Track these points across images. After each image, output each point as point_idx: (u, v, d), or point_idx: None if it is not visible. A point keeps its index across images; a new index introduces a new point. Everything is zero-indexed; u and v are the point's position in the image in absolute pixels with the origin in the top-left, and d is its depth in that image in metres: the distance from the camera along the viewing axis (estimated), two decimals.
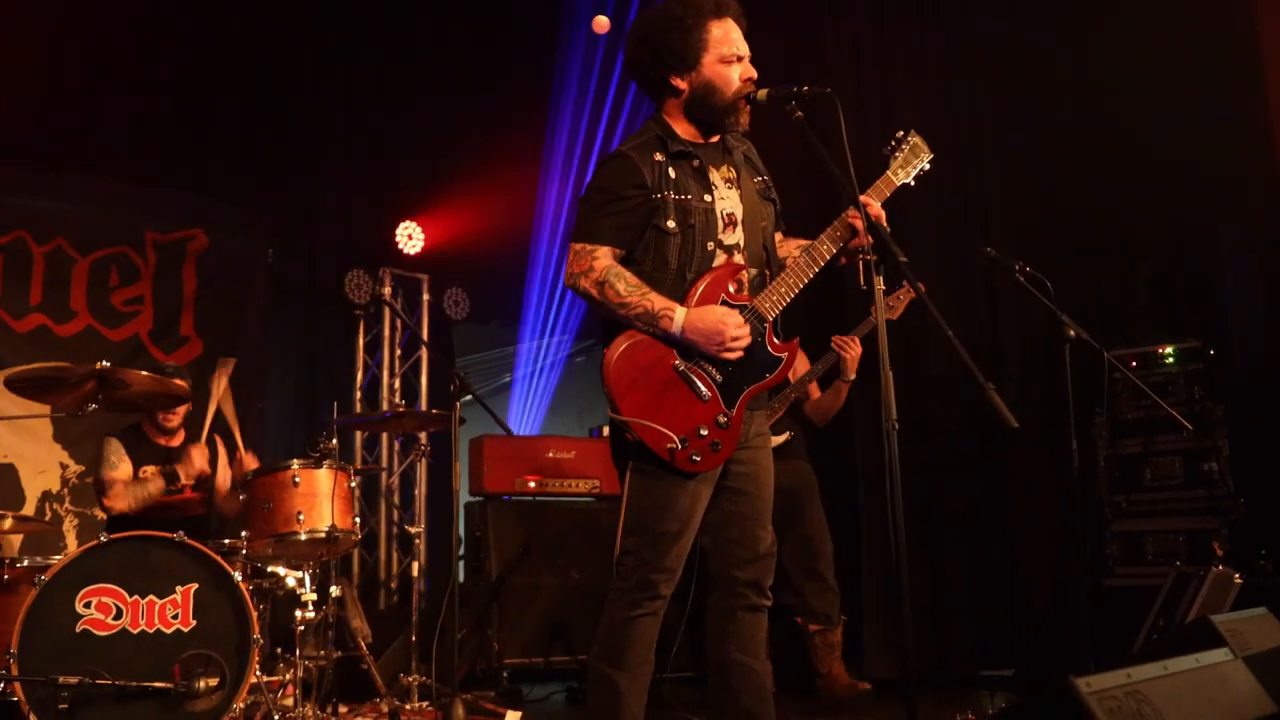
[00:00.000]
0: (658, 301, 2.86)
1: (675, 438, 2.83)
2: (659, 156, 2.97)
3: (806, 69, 6.31)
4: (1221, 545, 5.01)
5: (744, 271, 2.99)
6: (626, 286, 2.87)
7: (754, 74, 3.01)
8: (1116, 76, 5.86)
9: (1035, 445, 5.86)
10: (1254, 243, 5.64)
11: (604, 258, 2.91)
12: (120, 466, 5.06)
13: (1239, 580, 4.44)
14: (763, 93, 2.96)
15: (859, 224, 2.88)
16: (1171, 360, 5.42)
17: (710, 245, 2.96)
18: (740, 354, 2.89)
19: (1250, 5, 5.52)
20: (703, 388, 2.88)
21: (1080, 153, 6.12)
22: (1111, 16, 5.91)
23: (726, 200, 3.02)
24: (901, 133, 3.10)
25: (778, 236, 3.21)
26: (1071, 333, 4.34)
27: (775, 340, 2.98)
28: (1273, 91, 5.44)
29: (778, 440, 4.88)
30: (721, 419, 2.89)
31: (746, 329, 2.89)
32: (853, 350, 4.86)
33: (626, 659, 2.86)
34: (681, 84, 3.02)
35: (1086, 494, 5.22)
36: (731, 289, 2.93)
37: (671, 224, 2.93)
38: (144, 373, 4.39)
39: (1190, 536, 5.19)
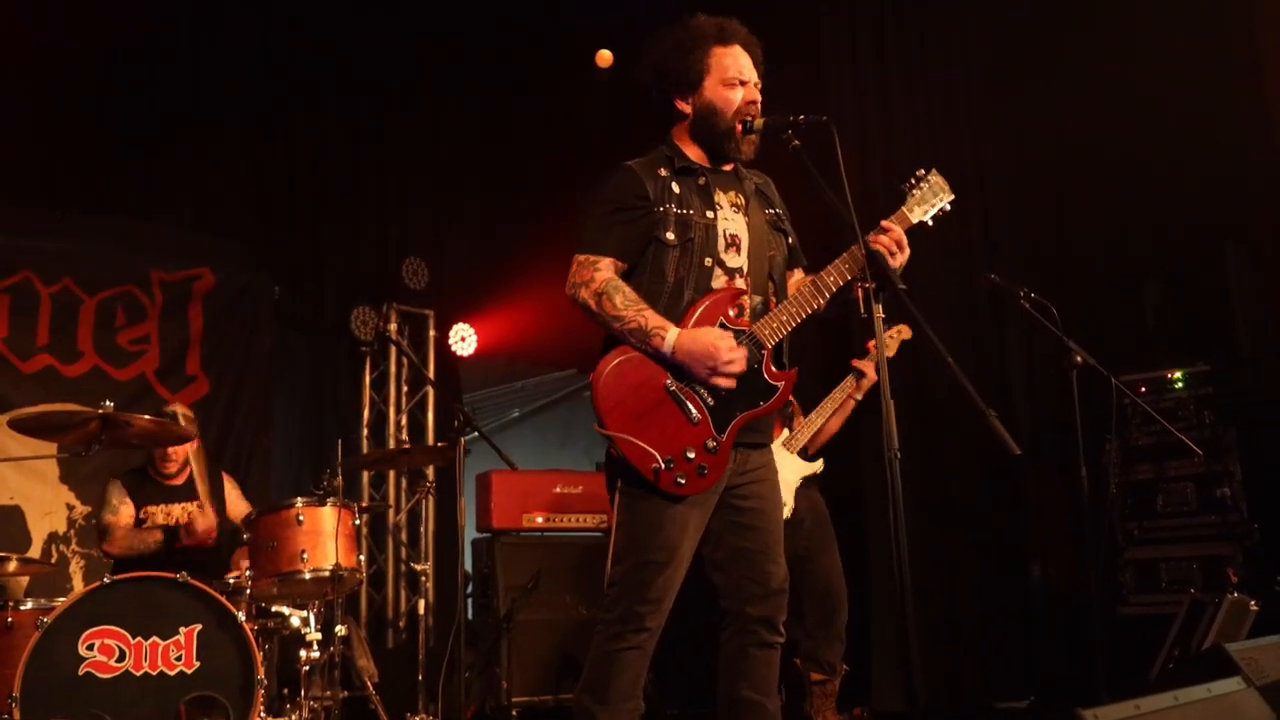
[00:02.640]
0: (652, 319, 2.85)
1: (659, 458, 2.80)
2: (663, 171, 3.01)
3: (808, 98, 6.31)
4: (1236, 571, 4.95)
5: (746, 296, 2.98)
6: (624, 300, 2.86)
7: (756, 98, 3.04)
8: (1120, 101, 5.85)
9: (1047, 473, 5.80)
10: (1261, 262, 5.60)
11: (606, 269, 2.92)
12: (121, 510, 5.04)
13: (1255, 607, 4.39)
14: (760, 120, 2.99)
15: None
16: (1181, 384, 5.38)
17: (709, 261, 2.96)
18: (732, 382, 2.86)
19: (1252, 27, 5.51)
20: (693, 410, 2.85)
21: (1085, 177, 6.10)
22: (1114, 42, 5.91)
23: (731, 222, 3.03)
24: (922, 170, 3.08)
25: (798, 273, 3.20)
26: (1078, 359, 4.31)
27: (773, 368, 2.96)
28: (1275, 111, 5.42)
29: (816, 466, 4.81)
30: (710, 443, 2.86)
31: (741, 354, 2.85)
32: (871, 376, 4.77)
33: (610, 693, 2.82)
34: (685, 107, 3.07)
35: (1098, 522, 5.17)
36: (731, 313, 2.93)
37: (671, 236, 2.94)
38: (146, 416, 4.38)
39: (1204, 563, 5.13)
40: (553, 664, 5.96)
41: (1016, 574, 5.96)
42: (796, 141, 2.85)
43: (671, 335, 2.83)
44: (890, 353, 4.72)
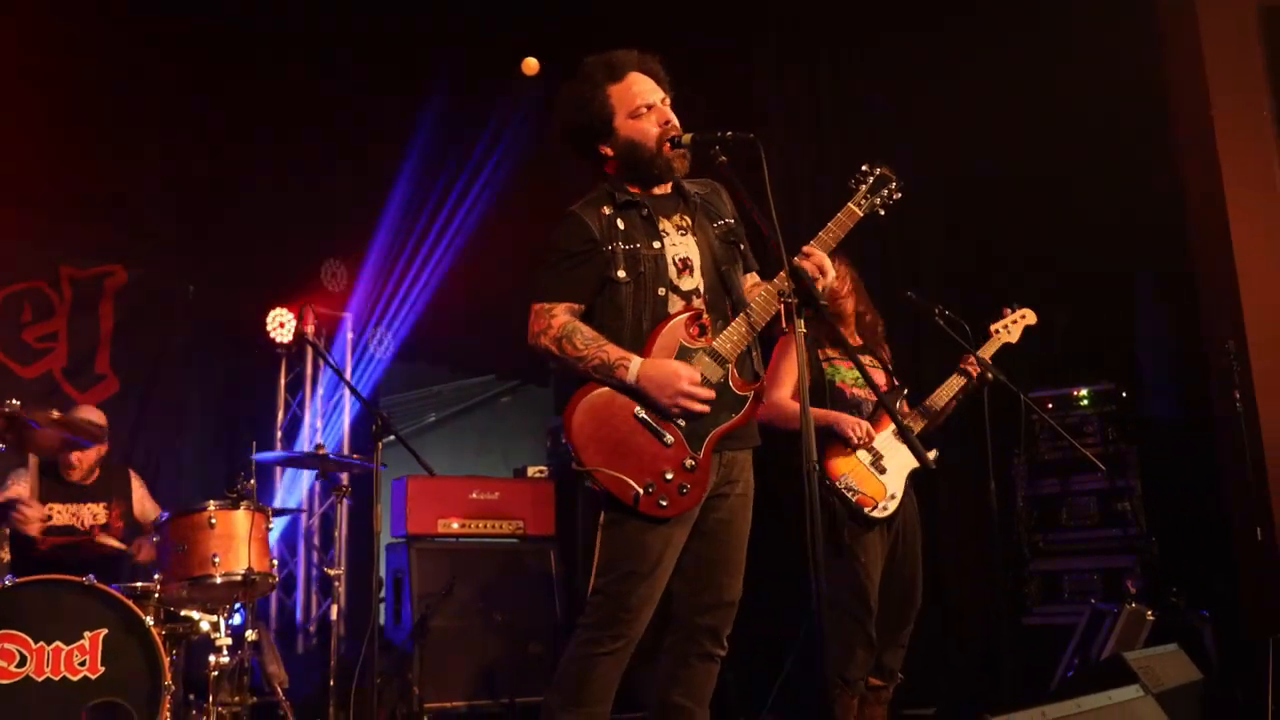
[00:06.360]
0: (614, 353, 2.88)
1: (638, 485, 2.83)
2: (607, 210, 3.03)
3: (737, 118, 6.39)
4: (1134, 583, 5.12)
5: (704, 315, 3.00)
6: (584, 340, 2.89)
7: (669, 117, 3.06)
8: (1039, 133, 6.03)
9: (958, 486, 5.93)
10: (1166, 290, 5.81)
11: (561, 314, 2.94)
12: (20, 485, 4.88)
13: (1151, 617, 4.54)
14: (687, 136, 3.02)
15: (807, 267, 2.89)
16: (1086, 402, 5.56)
17: (662, 291, 2.98)
18: (700, 406, 2.86)
19: (1162, 63, 5.72)
20: (665, 434, 2.88)
21: (1004, 203, 6.27)
22: (1033, 74, 6.09)
23: (679, 246, 3.05)
24: (867, 166, 3.13)
25: (752, 278, 3.21)
26: (989, 375, 4.42)
27: (740, 378, 2.99)
28: (1183, 145, 5.63)
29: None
30: (689, 463, 2.88)
31: (703, 390, 2.85)
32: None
33: (580, 697, 2.84)
34: (608, 150, 3.08)
35: (1006, 534, 5.31)
36: (692, 332, 2.95)
37: (622, 273, 2.96)
38: (54, 413, 4.26)
39: (1105, 575, 5.31)
40: (466, 671, 5.93)
41: (927, 584, 6.06)
42: (724, 158, 2.89)
43: (635, 365, 2.86)
44: (1013, 339, 4.49)
